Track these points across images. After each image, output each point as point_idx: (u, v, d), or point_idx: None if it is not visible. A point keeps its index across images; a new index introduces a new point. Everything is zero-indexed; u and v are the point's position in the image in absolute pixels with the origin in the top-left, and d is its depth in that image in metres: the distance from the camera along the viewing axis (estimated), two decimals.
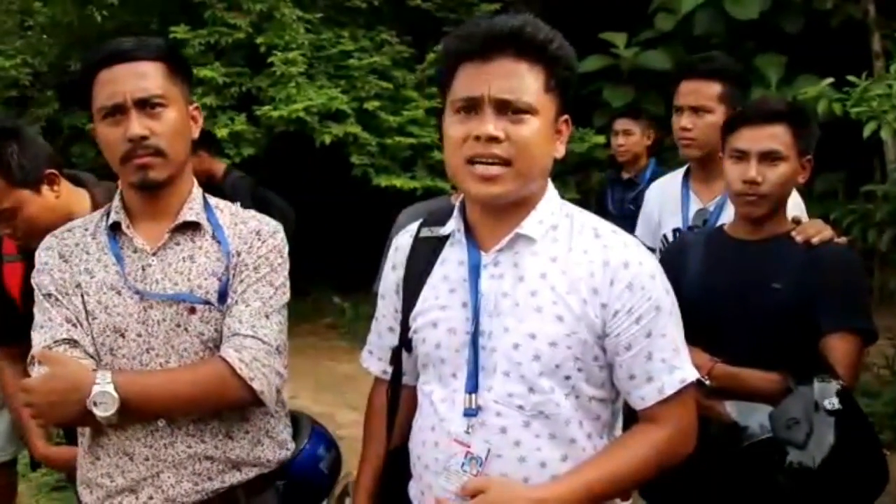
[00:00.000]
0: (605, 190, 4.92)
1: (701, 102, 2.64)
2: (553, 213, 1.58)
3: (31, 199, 2.19)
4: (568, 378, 1.52)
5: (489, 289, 1.55)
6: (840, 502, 1.85)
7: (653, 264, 1.57)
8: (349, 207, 7.67)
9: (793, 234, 2.08)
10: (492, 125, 1.47)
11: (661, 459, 1.55)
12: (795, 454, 1.82)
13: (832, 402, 1.82)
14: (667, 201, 2.80)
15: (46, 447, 2.36)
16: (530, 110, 1.48)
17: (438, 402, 1.58)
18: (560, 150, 1.57)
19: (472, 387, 1.53)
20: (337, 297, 8.09)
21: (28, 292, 2.20)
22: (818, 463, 1.80)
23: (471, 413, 1.52)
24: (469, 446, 1.52)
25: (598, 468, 1.52)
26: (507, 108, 1.48)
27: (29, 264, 2.22)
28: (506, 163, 1.48)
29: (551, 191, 1.61)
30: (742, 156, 2.07)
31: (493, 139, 1.47)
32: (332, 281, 7.98)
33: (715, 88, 2.65)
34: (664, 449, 1.55)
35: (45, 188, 2.22)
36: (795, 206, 2.49)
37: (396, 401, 1.73)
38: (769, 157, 2.05)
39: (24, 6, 7.67)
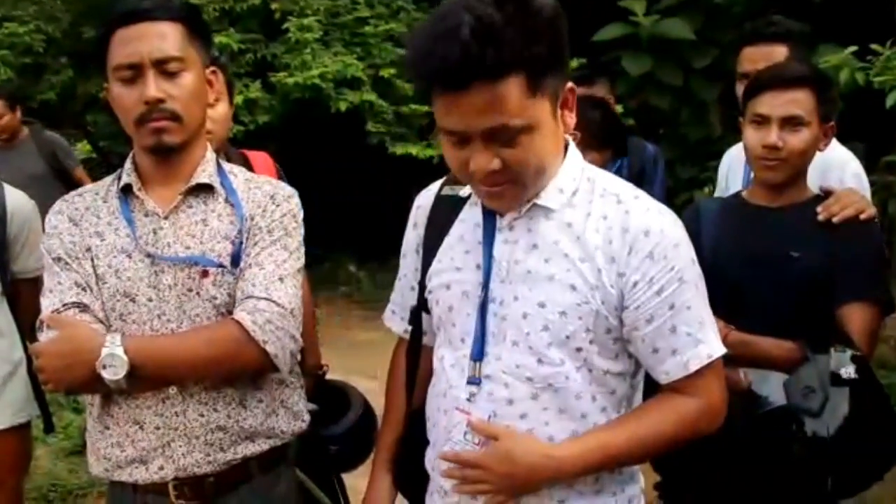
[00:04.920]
0: None
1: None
2: (574, 178, 1.50)
3: None
4: (579, 350, 1.46)
5: (502, 254, 1.49)
6: (854, 471, 1.85)
7: (677, 232, 1.48)
8: (365, 175, 7.66)
9: (818, 209, 2.05)
10: (486, 159, 1.38)
11: (685, 430, 1.49)
12: (810, 423, 1.81)
13: (848, 372, 1.81)
14: (734, 164, 2.65)
15: None
16: (524, 129, 1.36)
17: (448, 367, 1.54)
18: (570, 123, 1.47)
19: (478, 354, 1.49)
20: (353, 266, 8.10)
21: None
22: (832, 432, 1.79)
23: (474, 381, 1.48)
24: (470, 414, 1.48)
25: (617, 431, 1.47)
26: (499, 133, 1.36)
27: None
28: (511, 180, 1.42)
29: (572, 154, 1.52)
30: (763, 121, 2.04)
31: (494, 171, 1.40)
32: (348, 249, 7.99)
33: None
34: (690, 419, 1.48)
35: None
36: (854, 176, 2.41)
37: (417, 361, 1.70)
38: (791, 123, 2.02)
39: None
